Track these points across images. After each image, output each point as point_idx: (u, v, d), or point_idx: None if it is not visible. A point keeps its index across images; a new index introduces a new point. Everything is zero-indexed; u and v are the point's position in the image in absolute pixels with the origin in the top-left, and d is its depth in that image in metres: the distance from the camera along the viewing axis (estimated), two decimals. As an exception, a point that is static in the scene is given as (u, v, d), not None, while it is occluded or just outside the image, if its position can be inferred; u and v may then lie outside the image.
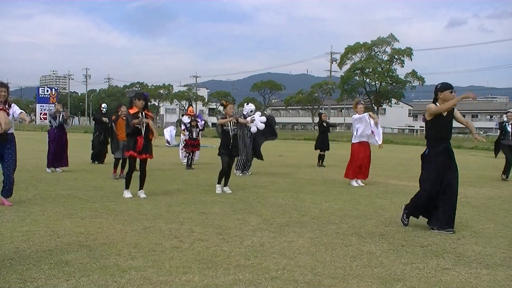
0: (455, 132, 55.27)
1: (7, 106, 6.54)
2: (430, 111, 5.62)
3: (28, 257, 4.20)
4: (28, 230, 5.17)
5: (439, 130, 5.66)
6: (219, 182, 8.37)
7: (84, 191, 8.17)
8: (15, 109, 6.67)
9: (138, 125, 7.42)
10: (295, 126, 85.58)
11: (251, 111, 11.58)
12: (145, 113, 7.56)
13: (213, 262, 4.20)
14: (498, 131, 12.09)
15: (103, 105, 14.03)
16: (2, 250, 4.43)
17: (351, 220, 6.18)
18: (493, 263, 4.36)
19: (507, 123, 11.48)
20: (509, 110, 12.04)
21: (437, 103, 5.65)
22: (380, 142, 9.72)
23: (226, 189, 8.38)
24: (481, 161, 17.99)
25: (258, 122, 11.22)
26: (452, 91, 5.59)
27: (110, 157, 13.02)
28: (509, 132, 11.31)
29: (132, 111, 7.50)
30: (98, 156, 13.43)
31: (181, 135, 13.96)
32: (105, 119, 13.02)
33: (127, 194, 7.59)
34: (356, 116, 9.70)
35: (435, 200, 5.64)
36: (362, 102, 10.29)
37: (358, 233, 5.45)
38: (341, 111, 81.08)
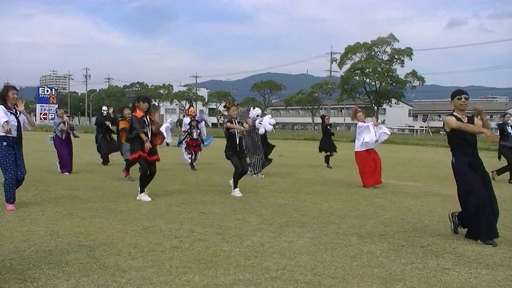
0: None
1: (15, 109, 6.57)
2: (450, 125, 5.32)
3: (28, 257, 4.21)
4: (28, 230, 5.18)
5: (463, 137, 5.35)
6: (236, 186, 8.18)
7: (84, 191, 8.17)
8: (25, 114, 6.71)
9: (142, 135, 7.31)
10: (295, 126, 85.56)
11: (258, 116, 11.58)
12: (149, 117, 7.48)
13: (213, 262, 4.20)
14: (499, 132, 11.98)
15: (104, 107, 13.99)
16: (2, 250, 4.43)
17: (351, 220, 6.18)
18: (493, 263, 4.36)
19: (507, 125, 11.37)
20: (508, 112, 11.88)
21: (454, 112, 5.45)
22: (388, 132, 9.75)
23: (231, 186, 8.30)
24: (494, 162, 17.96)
25: (266, 124, 11.26)
26: (461, 97, 5.33)
27: (98, 158, 13.03)
28: (510, 133, 11.24)
29: (138, 115, 7.39)
30: (106, 157, 13.36)
31: (180, 136, 13.98)
32: (107, 123, 13.05)
33: (145, 197, 7.35)
34: (361, 124, 9.57)
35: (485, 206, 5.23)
36: (359, 109, 10.03)
37: (358, 233, 5.45)
38: (341, 111, 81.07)
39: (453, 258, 4.52)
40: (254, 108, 12.07)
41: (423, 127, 60.75)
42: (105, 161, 13.24)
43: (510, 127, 11.30)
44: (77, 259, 4.18)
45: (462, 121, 5.34)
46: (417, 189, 9.42)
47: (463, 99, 5.35)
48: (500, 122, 11.60)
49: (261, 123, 11.15)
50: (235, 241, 4.95)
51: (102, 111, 13.71)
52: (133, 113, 7.50)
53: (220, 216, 6.21)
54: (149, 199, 7.32)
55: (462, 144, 5.38)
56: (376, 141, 9.55)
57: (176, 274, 3.86)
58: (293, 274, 3.92)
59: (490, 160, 18.44)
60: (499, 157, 11.60)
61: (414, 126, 75.75)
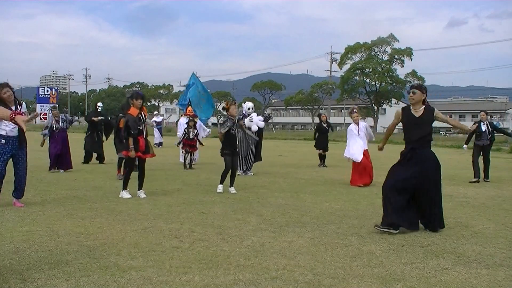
0: (455, 132, 54.90)
1: (18, 106, 6.54)
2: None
3: (28, 257, 4.21)
4: (28, 230, 5.18)
5: (405, 132, 5.68)
6: (221, 182, 8.35)
7: (84, 191, 8.17)
8: (23, 109, 6.70)
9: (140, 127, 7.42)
10: (295, 126, 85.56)
11: (249, 108, 11.68)
12: (143, 114, 7.56)
13: (213, 262, 4.20)
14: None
15: (99, 104, 13.98)
16: (2, 250, 4.43)
17: (351, 220, 6.18)
18: (493, 263, 4.36)
19: (481, 123, 11.07)
20: (482, 110, 11.67)
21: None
22: (366, 148, 9.98)
23: (232, 189, 8.35)
24: (481, 161, 17.94)
25: (257, 121, 11.39)
26: (410, 92, 5.63)
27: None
28: (483, 132, 11.05)
29: (133, 113, 7.43)
30: (89, 154, 13.35)
31: (178, 134, 13.99)
32: (96, 118, 13.09)
33: (126, 194, 7.53)
34: (350, 128, 10.10)
35: (406, 201, 5.48)
36: (355, 110, 10.15)
37: (358, 233, 5.45)
38: (341, 111, 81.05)
39: (453, 258, 4.52)
40: (245, 103, 12.12)
41: (423, 127, 60.64)
42: (87, 158, 13.19)
43: (485, 126, 11.03)
44: (77, 259, 4.18)
45: (413, 115, 5.55)
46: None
47: (411, 94, 5.59)
48: (477, 121, 11.33)
49: (251, 121, 11.28)
50: (235, 241, 4.95)
51: (97, 107, 13.68)
52: (128, 111, 7.52)
53: (220, 216, 6.21)
54: (130, 196, 7.48)
55: (405, 138, 5.66)
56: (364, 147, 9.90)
57: (176, 274, 3.86)
58: (293, 274, 3.92)
59: (494, 161, 18.42)
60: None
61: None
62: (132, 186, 7.72)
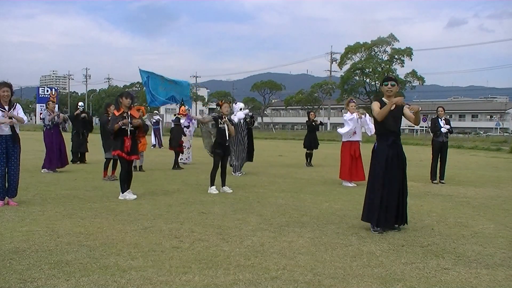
0: (456, 132, 55.14)
1: (9, 107, 6.55)
2: (373, 112, 5.58)
3: (28, 257, 4.21)
4: (28, 230, 5.18)
5: (387, 124, 5.55)
6: (212, 184, 8.27)
7: (84, 191, 8.17)
8: (20, 112, 6.71)
9: (125, 126, 7.28)
10: (295, 126, 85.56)
11: (241, 109, 11.69)
12: (130, 114, 7.39)
13: (213, 262, 4.20)
14: (431, 129, 11.29)
15: (80, 103, 13.90)
16: (2, 250, 4.43)
17: (351, 220, 6.18)
18: (493, 263, 4.36)
19: (439, 119, 10.77)
20: (440, 106, 11.44)
21: (383, 98, 5.70)
22: (371, 134, 9.81)
23: (226, 188, 8.34)
24: (481, 161, 17.98)
25: (238, 113, 11.42)
26: (387, 84, 5.65)
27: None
28: (442, 127, 10.63)
29: (117, 113, 7.36)
30: (77, 154, 13.28)
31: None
32: (83, 115, 13.20)
33: (129, 195, 7.42)
34: (348, 115, 9.79)
35: (392, 199, 5.48)
36: (354, 100, 10.28)
37: (358, 233, 5.45)
38: (341, 111, 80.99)
39: (453, 258, 4.52)
40: (236, 103, 12.07)
41: (423, 127, 60.77)
42: (78, 159, 13.18)
43: (442, 122, 10.73)
44: (77, 259, 4.18)
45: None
46: (417, 189, 9.41)
47: (389, 86, 5.68)
48: (434, 117, 10.91)
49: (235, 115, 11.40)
50: (235, 241, 4.95)
51: (78, 107, 13.55)
52: (114, 111, 7.48)
53: (220, 216, 6.21)
54: (135, 196, 7.40)
55: (384, 131, 5.60)
56: (354, 133, 9.79)
57: (176, 274, 3.86)
58: (293, 274, 3.92)
59: (490, 160, 18.46)
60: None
61: (414, 126, 75.66)
62: (132, 187, 7.71)
